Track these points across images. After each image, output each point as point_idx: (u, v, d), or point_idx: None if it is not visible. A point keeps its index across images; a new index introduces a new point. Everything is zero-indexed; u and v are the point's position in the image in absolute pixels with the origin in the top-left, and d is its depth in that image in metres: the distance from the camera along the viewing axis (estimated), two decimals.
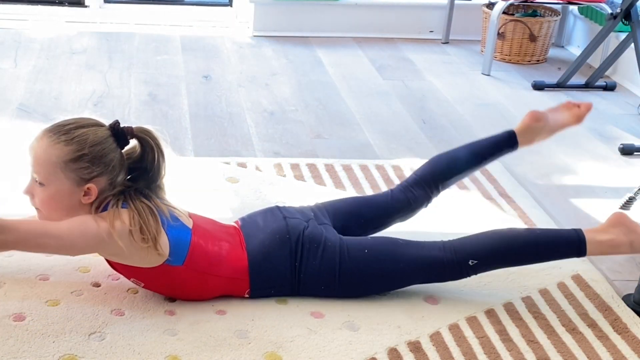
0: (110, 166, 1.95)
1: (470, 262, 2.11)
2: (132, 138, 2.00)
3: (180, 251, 1.99)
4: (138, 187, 2.00)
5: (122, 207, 1.93)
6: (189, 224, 2.05)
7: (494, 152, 2.40)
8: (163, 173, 2.04)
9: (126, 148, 2.01)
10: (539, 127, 2.38)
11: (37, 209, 2.00)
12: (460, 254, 2.11)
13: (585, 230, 2.16)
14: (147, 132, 2.01)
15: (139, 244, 1.91)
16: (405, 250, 2.13)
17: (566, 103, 2.45)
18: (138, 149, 2.02)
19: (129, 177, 2.02)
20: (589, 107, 2.43)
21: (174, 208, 2.05)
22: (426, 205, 2.36)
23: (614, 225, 2.16)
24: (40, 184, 1.93)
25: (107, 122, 2.01)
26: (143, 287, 2.07)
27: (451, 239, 2.17)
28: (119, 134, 1.97)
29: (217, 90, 3.68)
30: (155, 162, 2.01)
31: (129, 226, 1.91)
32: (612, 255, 2.26)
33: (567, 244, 2.14)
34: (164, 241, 1.96)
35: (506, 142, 2.38)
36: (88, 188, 1.94)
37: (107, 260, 2.06)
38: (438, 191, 2.36)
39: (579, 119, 2.42)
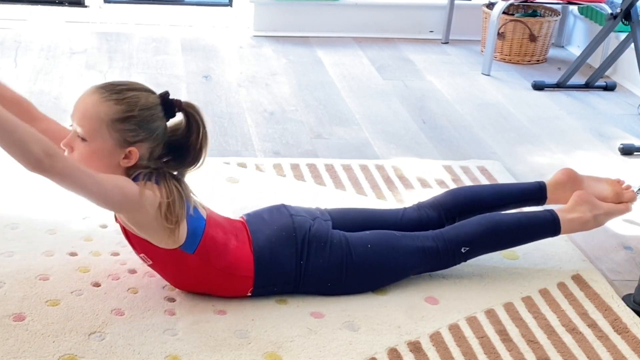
0: (155, 134, 1.92)
1: (462, 250, 2.20)
2: (179, 111, 1.96)
3: (194, 239, 1.99)
4: (170, 170, 1.97)
5: (154, 183, 1.91)
6: (204, 214, 2.05)
7: (520, 201, 2.41)
8: (204, 156, 1.99)
9: (172, 122, 1.97)
10: (569, 186, 2.38)
11: None
12: (452, 243, 2.19)
13: (557, 210, 2.30)
14: (194, 108, 1.97)
15: (163, 222, 1.90)
16: (401, 242, 2.17)
17: (613, 180, 2.42)
18: (183, 124, 1.98)
19: (166, 158, 1.98)
20: (633, 198, 2.39)
21: (194, 196, 2.03)
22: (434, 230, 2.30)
23: (578, 204, 2.31)
24: (83, 139, 1.89)
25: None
26: (150, 265, 2.06)
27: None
28: (168, 104, 1.94)
29: (217, 90, 3.68)
30: (200, 140, 1.96)
31: (159, 199, 1.89)
32: (580, 231, 2.36)
33: (546, 224, 2.28)
34: (183, 227, 1.96)
35: (535, 194, 2.40)
36: (130, 151, 1.91)
37: (123, 231, 2.03)
38: (453, 221, 2.32)
39: (618, 199, 2.38)
